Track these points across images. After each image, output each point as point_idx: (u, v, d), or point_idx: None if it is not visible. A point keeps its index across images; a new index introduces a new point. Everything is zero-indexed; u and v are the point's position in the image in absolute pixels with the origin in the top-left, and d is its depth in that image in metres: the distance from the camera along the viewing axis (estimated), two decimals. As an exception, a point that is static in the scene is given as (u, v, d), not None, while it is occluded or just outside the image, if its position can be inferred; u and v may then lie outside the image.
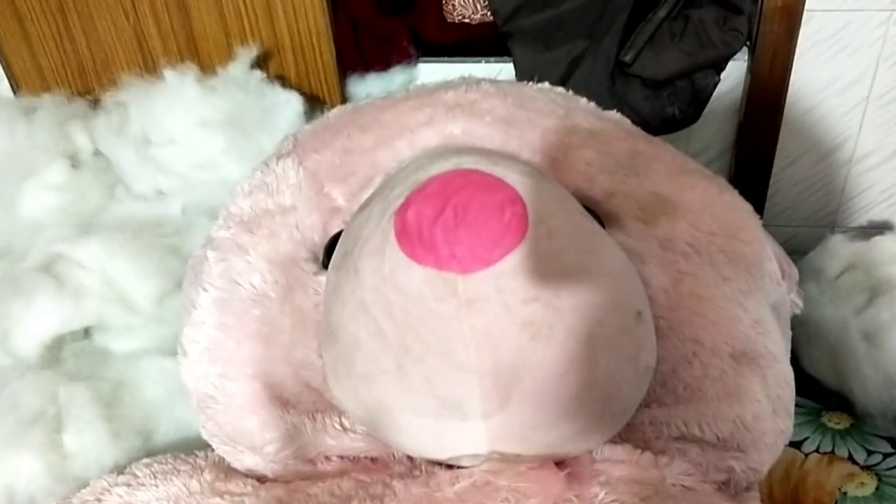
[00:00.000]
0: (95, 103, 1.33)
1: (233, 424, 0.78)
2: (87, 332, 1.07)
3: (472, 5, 1.34)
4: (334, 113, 0.94)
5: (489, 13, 1.33)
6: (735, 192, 0.85)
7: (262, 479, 0.78)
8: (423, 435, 0.69)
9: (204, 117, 1.20)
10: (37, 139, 1.24)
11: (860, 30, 1.25)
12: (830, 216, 1.42)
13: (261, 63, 1.31)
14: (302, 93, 1.29)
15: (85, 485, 0.86)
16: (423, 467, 0.72)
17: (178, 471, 0.82)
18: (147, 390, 1.01)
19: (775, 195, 1.41)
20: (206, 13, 1.29)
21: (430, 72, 1.34)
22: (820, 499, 1.02)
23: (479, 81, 0.91)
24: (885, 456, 1.06)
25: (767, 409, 0.75)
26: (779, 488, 1.03)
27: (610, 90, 1.29)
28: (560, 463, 0.71)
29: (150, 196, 1.22)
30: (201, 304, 0.80)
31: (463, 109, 0.86)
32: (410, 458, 0.74)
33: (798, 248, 1.24)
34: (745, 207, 0.84)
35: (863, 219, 1.42)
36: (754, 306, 0.78)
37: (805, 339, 1.16)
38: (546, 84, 0.94)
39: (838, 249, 1.25)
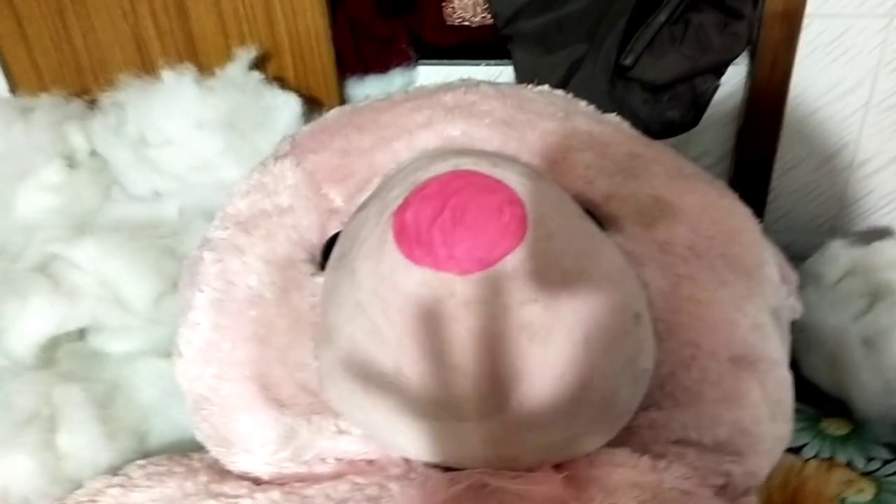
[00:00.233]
0: (93, 104, 1.33)
1: (228, 426, 0.78)
2: (82, 333, 1.07)
3: (471, 8, 1.34)
4: (333, 114, 0.94)
5: (489, 16, 1.33)
6: (734, 196, 0.85)
7: (257, 482, 0.78)
8: (419, 437, 0.68)
9: (201, 118, 1.20)
10: (34, 139, 1.23)
11: (860, 35, 1.25)
12: (830, 222, 1.42)
13: (259, 64, 1.30)
14: (300, 94, 1.28)
15: (79, 486, 0.85)
16: (419, 470, 0.72)
17: (173, 472, 0.82)
18: (142, 392, 1.00)
19: (775, 200, 1.41)
20: (204, 14, 1.29)
21: (430, 74, 1.34)
22: (819, 505, 1.02)
23: (478, 83, 0.91)
24: (885, 462, 1.06)
25: (766, 413, 0.75)
26: (778, 494, 1.03)
27: (610, 94, 1.29)
28: (558, 466, 0.70)
29: (146, 197, 1.22)
30: (197, 305, 0.80)
31: (462, 111, 0.85)
32: (407, 461, 0.74)
33: (798, 254, 1.24)
34: (744, 211, 0.84)
35: (863, 224, 1.41)
36: (753, 310, 0.78)
37: (804, 344, 1.15)
38: (546, 87, 0.94)
39: (838, 255, 1.24)
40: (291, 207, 0.83)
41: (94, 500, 0.82)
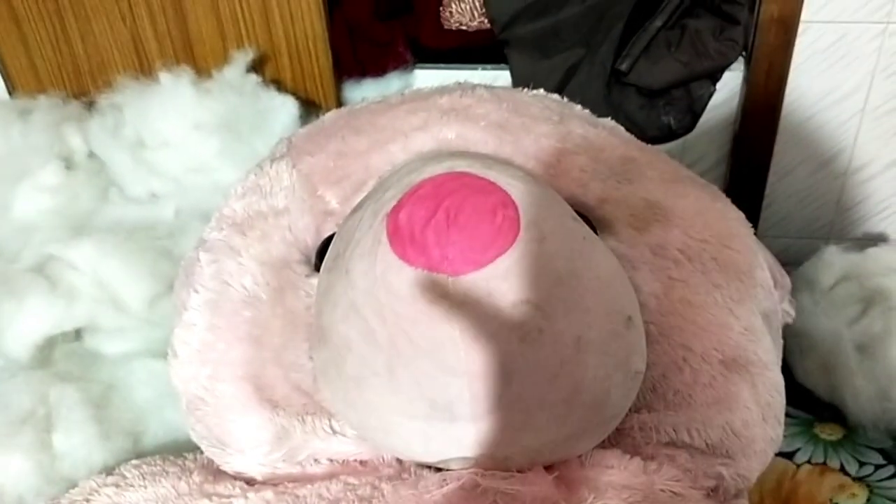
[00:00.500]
0: (90, 105, 1.33)
1: (222, 426, 0.78)
2: (78, 334, 1.07)
3: (469, 12, 1.35)
4: (329, 116, 0.94)
5: (486, 20, 1.33)
6: (727, 201, 0.86)
7: (250, 482, 0.78)
8: (412, 437, 0.68)
9: (198, 120, 1.20)
10: (32, 140, 1.24)
11: (856, 41, 1.25)
12: (825, 227, 1.42)
13: (257, 67, 1.31)
14: (298, 97, 1.29)
15: (74, 485, 0.86)
16: (412, 470, 0.72)
17: (167, 472, 0.82)
18: (137, 392, 1.00)
19: (770, 206, 1.41)
20: (202, 16, 1.29)
21: (427, 78, 1.34)
22: (811, 509, 1.02)
23: (474, 87, 0.92)
24: (877, 467, 1.06)
25: (757, 416, 0.75)
26: (771, 499, 1.03)
27: (606, 98, 1.30)
28: (549, 467, 0.71)
29: (143, 199, 1.22)
30: (192, 306, 0.80)
31: (457, 114, 0.86)
32: (399, 461, 0.74)
33: (793, 259, 1.25)
34: (737, 216, 0.85)
35: (858, 230, 1.42)
36: (745, 314, 0.78)
37: (798, 350, 1.16)
38: (541, 91, 0.95)
39: (832, 260, 1.25)
40: (287, 209, 0.84)
41: (88, 500, 0.82)
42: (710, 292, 0.77)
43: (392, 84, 1.34)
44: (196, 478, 0.80)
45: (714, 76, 1.30)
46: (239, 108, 1.23)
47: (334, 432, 0.75)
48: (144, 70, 1.33)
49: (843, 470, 1.06)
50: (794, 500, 1.03)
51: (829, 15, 1.23)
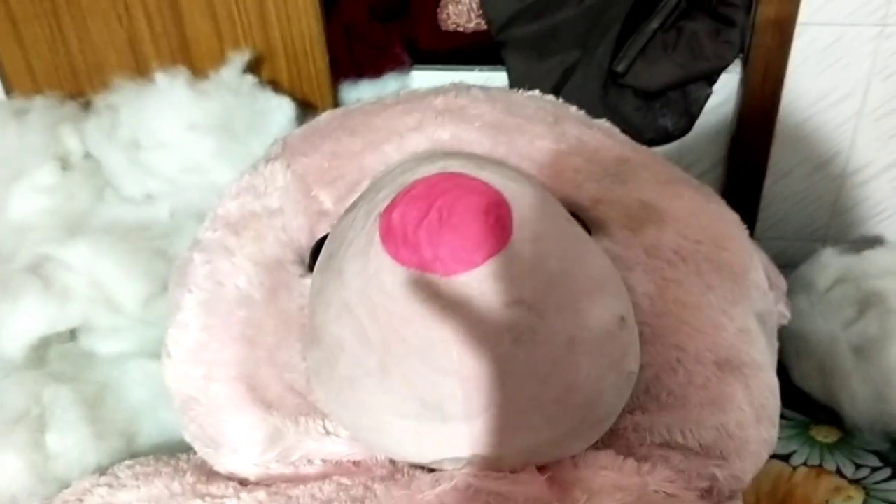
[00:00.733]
0: (87, 106, 1.33)
1: (215, 426, 0.78)
2: (72, 334, 1.07)
3: (466, 14, 1.35)
4: (325, 116, 0.94)
5: (483, 22, 1.33)
6: (722, 202, 0.86)
7: (243, 482, 0.78)
8: (404, 437, 0.68)
9: (194, 121, 1.20)
10: (28, 141, 1.24)
11: (852, 44, 1.25)
12: (822, 230, 1.42)
13: (253, 68, 1.31)
14: (294, 98, 1.29)
15: (67, 485, 0.86)
16: (404, 471, 0.72)
17: (160, 472, 0.82)
18: (131, 393, 1.01)
19: (767, 208, 1.41)
20: (199, 17, 1.29)
21: (424, 79, 1.34)
22: (807, 512, 1.02)
23: (469, 87, 0.92)
24: (873, 470, 1.06)
25: (751, 417, 0.75)
26: (767, 501, 1.03)
27: (603, 100, 1.30)
28: (542, 468, 0.70)
29: (139, 199, 1.22)
30: (186, 306, 0.80)
31: (452, 115, 0.86)
32: (392, 462, 0.74)
33: (789, 262, 1.24)
34: (731, 217, 0.85)
35: (855, 232, 1.42)
36: (739, 315, 0.78)
37: (794, 352, 1.16)
38: (536, 92, 0.95)
39: (829, 263, 1.25)
40: (281, 209, 0.84)
41: (81, 500, 0.82)
42: (705, 293, 0.77)
43: (389, 85, 1.35)
44: (189, 478, 0.80)
45: (711, 78, 1.30)
46: (235, 109, 1.23)
47: (328, 433, 0.75)
48: (141, 71, 1.33)
49: (839, 472, 1.06)
50: (791, 503, 1.03)
51: (825, 17, 1.23)
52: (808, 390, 1.16)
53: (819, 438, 1.11)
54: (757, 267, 0.84)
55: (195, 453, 0.82)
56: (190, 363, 0.79)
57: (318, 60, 1.32)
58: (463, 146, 0.83)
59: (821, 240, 1.42)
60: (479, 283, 0.63)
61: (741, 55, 1.29)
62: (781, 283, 0.93)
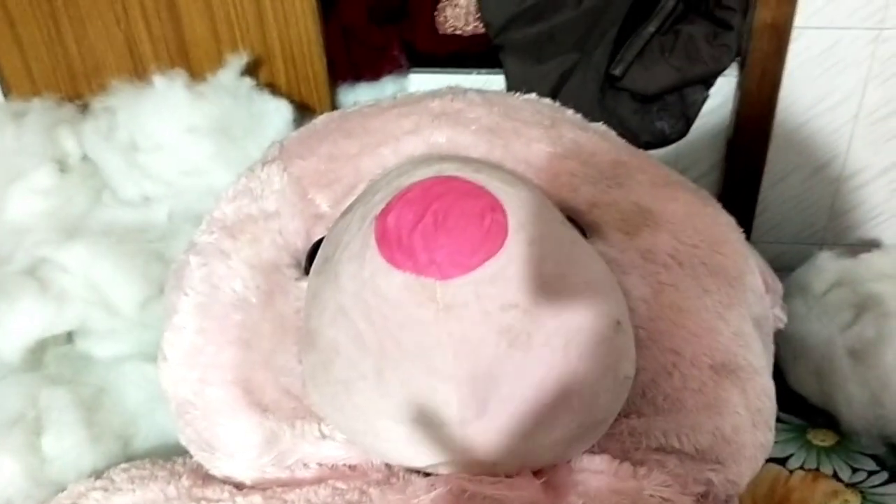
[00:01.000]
0: (85, 108, 1.33)
1: (211, 430, 0.78)
2: (69, 337, 1.07)
3: (463, 17, 1.35)
4: (321, 119, 0.95)
5: (481, 25, 1.33)
6: (718, 205, 0.86)
7: (239, 486, 0.78)
8: (400, 441, 0.68)
9: (192, 124, 1.20)
10: (25, 143, 1.24)
11: (849, 48, 1.25)
12: (819, 233, 1.42)
13: (251, 70, 1.31)
14: (292, 101, 1.29)
15: (62, 489, 0.86)
16: (400, 475, 0.72)
17: (156, 476, 0.82)
18: (128, 396, 1.01)
19: (764, 212, 1.41)
20: (196, 20, 1.29)
21: (421, 82, 1.34)
22: (803, 515, 1.02)
23: (465, 91, 0.92)
24: (870, 473, 1.06)
25: (747, 421, 0.75)
26: (763, 504, 1.03)
27: (600, 103, 1.30)
28: (538, 472, 0.71)
29: (136, 201, 1.22)
30: (182, 309, 0.80)
31: (448, 118, 0.86)
32: (388, 466, 0.74)
33: (786, 265, 1.25)
34: (727, 220, 0.85)
35: (851, 236, 1.42)
36: (735, 319, 0.78)
37: (791, 355, 1.16)
38: (533, 95, 0.95)
39: (825, 266, 1.25)
40: (277, 212, 0.84)
41: (76, 503, 0.82)
42: (700, 297, 0.77)
43: (387, 88, 1.35)
44: (185, 482, 0.80)
45: (707, 82, 1.31)
46: (233, 112, 1.23)
47: (323, 436, 0.75)
48: (138, 73, 1.33)
49: (835, 476, 1.06)
50: (787, 506, 1.03)
51: (822, 21, 1.23)
52: (804, 394, 1.16)
53: (816, 442, 1.11)
54: (753, 270, 0.84)
55: (191, 457, 0.82)
56: (186, 366, 0.79)
57: (315, 63, 1.32)
58: (459, 150, 0.83)
59: (817, 243, 1.42)
60: (474, 287, 0.63)
61: (738, 59, 1.30)
62: (778, 286, 0.93)
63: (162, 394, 0.82)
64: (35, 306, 1.03)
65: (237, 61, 1.28)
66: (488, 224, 0.64)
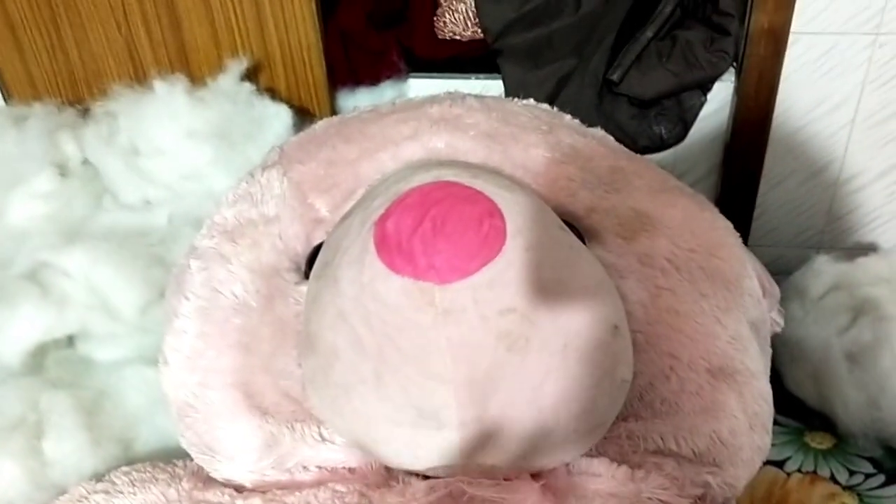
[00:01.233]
0: (85, 113, 1.34)
1: (211, 433, 0.78)
2: (70, 341, 1.07)
3: (462, 22, 1.35)
4: (321, 125, 0.95)
5: (479, 30, 1.34)
6: (715, 210, 0.86)
7: (239, 489, 0.78)
8: (399, 444, 0.69)
9: (192, 128, 1.21)
10: (26, 147, 1.24)
11: (846, 53, 1.26)
12: (816, 237, 1.43)
13: (251, 75, 1.31)
14: (292, 106, 1.30)
15: (64, 492, 0.86)
16: (399, 477, 0.72)
17: (157, 479, 0.82)
18: (128, 399, 1.01)
19: (761, 216, 1.41)
20: (197, 25, 1.30)
21: (420, 87, 1.35)
22: (801, 518, 1.03)
23: (464, 97, 0.92)
24: (867, 476, 1.07)
25: (744, 424, 0.76)
26: (760, 507, 1.04)
27: (597, 108, 1.30)
28: (536, 475, 0.71)
29: (136, 206, 1.22)
30: (183, 313, 0.81)
31: (447, 124, 0.86)
32: (387, 469, 0.74)
33: (784, 269, 1.25)
34: (724, 225, 0.85)
35: (848, 240, 1.42)
36: (732, 323, 0.78)
37: (788, 359, 1.16)
38: (531, 100, 0.96)
39: (823, 270, 1.25)
40: (277, 217, 0.84)
41: (78, 506, 0.82)
42: (698, 301, 0.78)
43: (386, 93, 1.35)
44: (185, 485, 0.80)
45: (705, 87, 1.31)
46: (233, 117, 1.23)
47: (323, 440, 0.75)
48: (139, 78, 1.33)
49: (833, 479, 1.06)
50: (785, 509, 1.04)
51: (819, 26, 1.24)
52: (801, 397, 1.17)
53: (813, 445, 1.12)
54: (750, 275, 0.84)
55: (191, 460, 0.82)
56: (186, 370, 0.79)
57: (315, 68, 1.33)
58: (458, 155, 0.84)
59: (814, 247, 1.42)
60: (472, 291, 0.64)
61: (735, 64, 1.30)
62: (775, 290, 0.93)
63: (163, 397, 0.82)
64: (36, 310, 1.03)
65: (237, 66, 1.28)
66: (486, 229, 0.65)
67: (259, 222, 0.84)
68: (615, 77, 1.27)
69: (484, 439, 0.67)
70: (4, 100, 1.39)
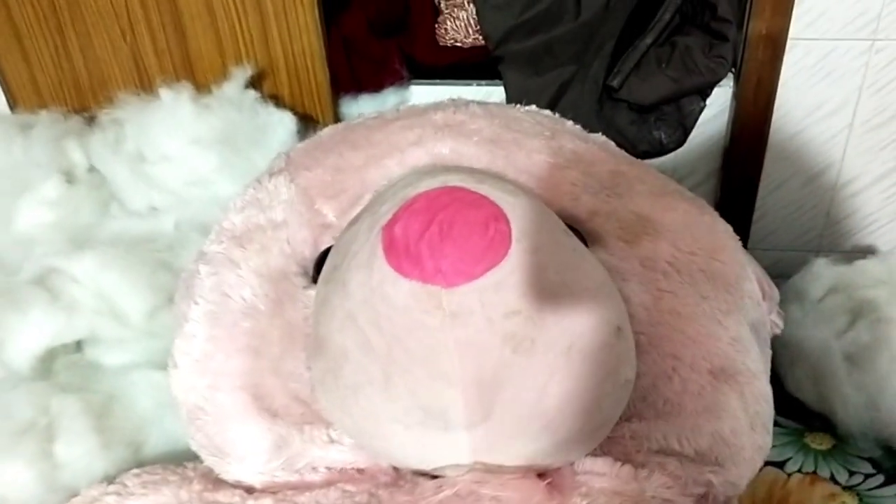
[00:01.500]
0: (91, 120, 1.34)
1: (221, 436, 0.79)
2: (79, 346, 1.08)
3: (464, 29, 1.36)
4: (327, 131, 0.96)
5: (481, 37, 1.35)
6: (715, 214, 0.87)
7: (249, 490, 0.79)
8: (408, 445, 0.70)
9: (198, 135, 1.22)
10: (33, 155, 1.25)
11: (843, 58, 1.27)
12: (815, 240, 1.44)
13: (255, 83, 1.32)
14: (295, 113, 1.30)
15: (75, 494, 0.86)
16: (408, 477, 0.73)
17: (168, 481, 0.82)
18: (138, 403, 1.01)
19: (761, 219, 1.42)
20: (201, 33, 1.31)
21: (422, 94, 1.36)
22: (801, 518, 1.03)
23: (467, 103, 0.93)
24: (867, 477, 1.07)
25: (745, 424, 0.76)
26: (761, 507, 1.04)
27: (598, 114, 1.31)
28: (542, 474, 0.71)
29: (143, 212, 1.23)
30: (192, 317, 0.81)
31: (451, 130, 0.87)
32: (396, 469, 0.75)
33: (783, 272, 1.26)
34: (724, 228, 0.86)
35: (847, 243, 1.43)
36: (733, 324, 0.79)
37: (788, 360, 1.17)
38: (533, 107, 0.96)
39: (821, 272, 1.26)
40: (285, 222, 0.85)
41: (89, 508, 0.83)
42: (699, 303, 0.78)
43: (388, 100, 1.36)
44: (196, 486, 0.80)
45: (704, 92, 1.32)
46: (237, 124, 1.24)
47: (332, 441, 0.76)
48: (144, 86, 1.34)
49: (833, 479, 1.07)
50: (785, 509, 1.04)
51: (816, 32, 1.25)
52: (801, 398, 1.17)
53: (813, 446, 1.12)
54: (750, 277, 0.85)
55: (202, 462, 0.83)
56: (196, 373, 0.80)
57: (318, 75, 1.33)
58: (462, 160, 0.85)
59: (813, 250, 1.43)
60: (479, 294, 0.64)
61: (734, 69, 1.31)
62: (774, 293, 0.94)
63: (173, 400, 0.83)
64: (45, 316, 1.04)
65: (241, 74, 1.29)
66: (492, 234, 0.65)
67: (267, 227, 0.84)
68: (615, 83, 1.28)
69: (490, 439, 0.67)
70: (11, 108, 1.39)
